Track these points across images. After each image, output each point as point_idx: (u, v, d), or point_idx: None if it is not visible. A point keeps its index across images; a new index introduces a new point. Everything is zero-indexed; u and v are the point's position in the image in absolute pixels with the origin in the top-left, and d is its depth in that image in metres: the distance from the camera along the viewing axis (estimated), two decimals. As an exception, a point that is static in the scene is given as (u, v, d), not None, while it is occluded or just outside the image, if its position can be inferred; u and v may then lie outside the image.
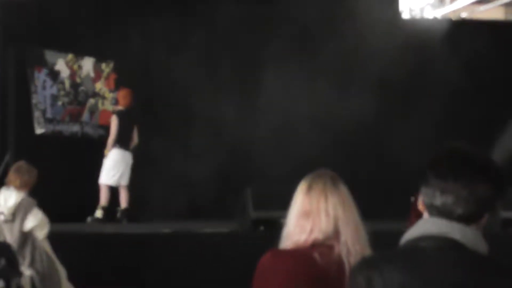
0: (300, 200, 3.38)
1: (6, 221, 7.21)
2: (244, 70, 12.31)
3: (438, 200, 2.36)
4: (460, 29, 12.92)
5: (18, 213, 7.20)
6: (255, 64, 12.32)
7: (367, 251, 3.32)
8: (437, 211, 2.37)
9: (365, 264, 2.42)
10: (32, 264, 7.13)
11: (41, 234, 7.29)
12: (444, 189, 2.35)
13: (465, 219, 2.34)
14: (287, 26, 12.19)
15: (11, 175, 7.46)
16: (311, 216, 3.33)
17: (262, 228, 9.59)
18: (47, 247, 7.34)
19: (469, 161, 2.40)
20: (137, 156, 11.34)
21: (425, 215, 2.43)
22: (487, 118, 12.43)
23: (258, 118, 12.14)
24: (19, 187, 7.34)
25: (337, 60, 12.18)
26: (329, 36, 12.13)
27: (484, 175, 2.37)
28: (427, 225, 2.38)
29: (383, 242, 2.77)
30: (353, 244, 3.30)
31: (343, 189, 3.42)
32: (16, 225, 7.18)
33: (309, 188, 3.38)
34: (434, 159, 2.44)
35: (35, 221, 7.22)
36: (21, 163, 7.61)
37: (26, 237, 7.20)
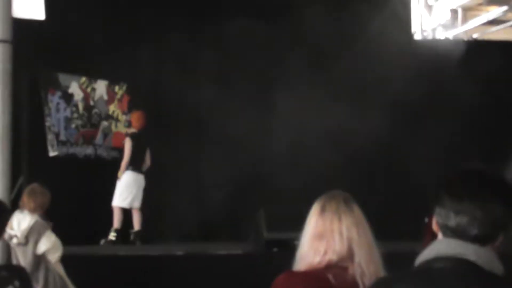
0: (313, 221, 3.38)
1: (19, 244, 7.21)
2: (257, 89, 12.32)
3: (453, 221, 2.35)
4: (473, 50, 12.91)
5: (31, 236, 7.20)
6: (268, 83, 12.34)
7: (381, 273, 3.31)
8: (451, 231, 2.36)
9: (380, 284, 2.41)
10: (45, 287, 7.13)
11: (54, 257, 7.29)
12: (459, 209, 2.34)
13: (480, 240, 2.33)
14: (300, 46, 12.20)
15: (25, 198, 7.46)
16: (325, 237, 3.32)
17: (276, 249, 9.56)
18: (60, 270, 7.34)
19: (484, 181, 2.39)
20: (150, 178, 11.35)
21: (440, 236, 2.42)
22: (501, 139, 12.38)
23: (272, 138, 12.13)
24: (33, 210, 7.34)
25: (351, 79, 12.19)
26: (342, 55, 12.13)
27: (500, 196, 2.35)
28: (441, 246, 2.36)
29: (397, 263, 2.76)
30: (367, 265, 3.29)
31: (357, 210, 3.41)
32: (29, 248, 7.19)
33: (323, 210, 3.38)
34: (448, 179, 2.43)
35: (48, 244, 7.23)
36: (35, 186, 7.61)
37: (39, 260, 7.20)
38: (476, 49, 13.13)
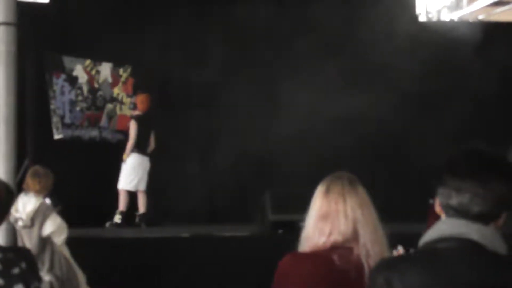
0: (318, 202, 3.38)
1: (24, 227, 7.24)
2: (264, 72, 12.30)
3: (454, 200, 2.36)
4: (478, 31, 12.85)
5: (36, 218, 7.23)
6: (276, 66, 12.32)
7: (386, 253, 3.32)
8: (453, 210, 2.37)
9: (384, 265, 2.42)
10: (51, 270, 7.16)
11: (60, 239, 7.32)
12: (460, 188, 2.35)
13: (482, 218, 2.34)
14: (306, 30, 12.17)
15: (29, 180, 7.47)
16: (329, 218, 3.33)
17: (281, 231, 9.59)
18: (65, 252, 7.37)
19: (486, 160, 2.40)
20: (155, 161, 11.37)
21: (443, 217, 2.43)
22: (509, 122, 12.33)
23: (279, 121, 12.13)
24: (38, 192, 7.37)
25: (356, 63, 12.16)
26: (348, 39, 12.11)
27: (501, 174, 2.37)
28: (444, 226, 2.37)
29: (402, 244, 2.77)
30: (372, 246, 3.30)
31: (361, 191, 3.42)
32: (35, 230, 7.21)
33: (327, 191, 3.38)
34: (451, 159, 2.44)
35: (54, 226, 7.25)
36: (37, 168, 7.64)
37: (45, 242, 7.23)
38: (482, 30, 13.06)
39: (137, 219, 11.27)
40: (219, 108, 12.30)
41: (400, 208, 9.96)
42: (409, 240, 2.57)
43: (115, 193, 11.17)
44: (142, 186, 11.23)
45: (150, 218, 11.30)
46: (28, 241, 7.21)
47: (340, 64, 11.93)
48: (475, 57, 12.14)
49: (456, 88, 12.42)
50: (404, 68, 11.81)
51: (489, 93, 12.26)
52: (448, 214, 2.40)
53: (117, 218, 11.14)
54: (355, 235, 3.32)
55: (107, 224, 11.09)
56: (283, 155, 11.95)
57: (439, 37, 12.28)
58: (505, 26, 13.10)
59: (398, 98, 12.01)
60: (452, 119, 12.15)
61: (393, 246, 3.36)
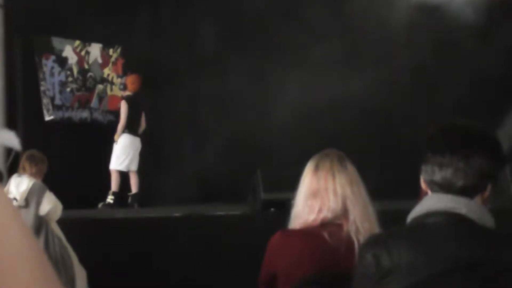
0: (307, 180, 3.40)
1: (19, 207, 7.23)
2: (254, 57, 12.28)
3: (438, 175, 2.38)
4: (479, 9, 12.75)
5: (31, 198, 7.22)
6: (265, 50, 12.30)
7: (376, 229, 3.34)
8: (438, 186, 2.39)
9: (373, 241, 2.44)
10: (45, 249, 7.17)
11: (55, 216, 7.34)
12: (442, 163, 2.37)
13: (466, 191, 2.36)
14: (298, 13, 12.15)
15: (25, 164, 7.45)
16: (319, 195, 3.35)
17: (272, 209, 9.61)
18: (58, 232, 7.38)
19: (465, 134, 2.41)
20: (146, 141, 11.37)
21: (429, 193, 2.45)
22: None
23: (268, 101, 12.14)
24: (34, 175, 7.36)
25: (350, 44, 12.12)
26: (340, 20, 12.08)
27: (480, 147, 2.38)
28: (431, 201, 2.39)
29: (393, 221, 2.79)
30: (361, 222, 3.32)
31: (351, 168, 3.43)
32: (31, 210, 7.20)
33: (316, 168, 3.40)
34: (430, 136, 2.46)
35: (51, 204, 7.26)
36: (34, 152, 7.60)
37: (40, 222, 7.23)
38: (483, 7, 12.96)
39: (129, 200, 11.28)
40: (209, 89, 12.28)
41: (393, 185, 9.98)
42: (400, 217, 2.58)
43: (107, 173, 11.17)
44: (134, 167, 11.23)
45: (142, 198, 11.31)
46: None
47: (333, 46, 11.90)
48: (478, 37, 12.08)
49: (456, 66, 12.32)
50: (401, 48, 11.80)
51: (491, 69, 12.14)
52: (433, 190, 2.41)
53: (110, 199, 11.15)
54: (344, 212, 3.34)
55: (100, 205, 11.09)
56: (274, 136, 11.95)
57: (441, 15, 12.22)
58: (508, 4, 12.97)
59: (394, 81, 11.98)
60: (447, 98, 12.11)
61: (383, 222, 3.37)
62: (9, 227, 0.93)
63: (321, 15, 12.11)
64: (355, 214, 3.33)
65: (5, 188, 7.28)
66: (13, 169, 8.17)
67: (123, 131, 11.09)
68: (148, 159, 11.44)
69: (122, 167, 11.16)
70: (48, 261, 0.96)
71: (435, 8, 12.31)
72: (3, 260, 0.91)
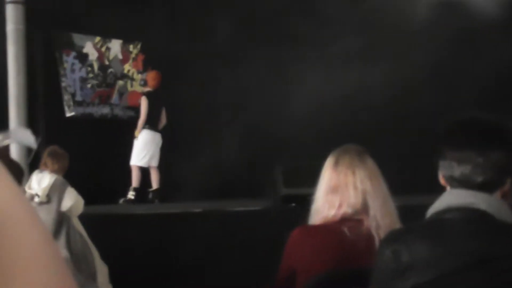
0: (327, 175, 3.39)
1: (41, 203, 7.25)
2: (273, 47, 12.26)
3: (456, 171, 2.36)
4: (500, 2, 12.65)
5: (53, 193, 7.24)
6: (284, 41, 12.27)
7: (397, 225, 3.32)
8: (457, 182, 2.37)
9: (392, 237, 2.43)
10: (67, 245, 7.19)
11: (76, 212, 7.36)
12: (461, 159, 2.35)
13: (486, 187, 2.34)
14: (318, 1, 12.13)
15: (47, 160, 7.46)
16: (339, 191, 3.34)
17: (293, 205, 9.60)
18: (80, 228, 7.41)
19: (482, 128, 2.39)
20: (167, 137, 11.39)
21: (447, 188, 2.44)
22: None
23: (287, 94, 12.11)
24: (56, 172, 7.38)
25: (367, 36, 12.10)
26: (359, 11, 12.05)
27: (498, 141, 2.36)
28: (451, 197, 2.38)
29: (412, 216, 2.77)
30: (382, 218, 3.31)
31: (371, 163, 3.42)
32: (53, 205, 7.22)
33: (336, 163, 3.39)
34: (448, 130, 2.44)
35: (73, 199, 7.28)
36: (56, 148, 7.61)
37: (62, 217, 7.26)
38: (507, 1, 12.86)
39: (150, 195, 11.30)
40: (228, 83, 12.29)
41: (411, 180, 9.94)
42: (420, 212, 2.56)
43: (127, 169, 11.20)
44: (155, 162, 11.25)
45: (163, 193, 11.33)
46: (45, 217, 7.22)
47: (352, 39, 11.86)
48: (499, 31, 11.99)
49: (474, 60, 12.23)
50: (421, 44, 11.74)
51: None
52: (452, 185, 2.40)
53: (131, 195, 11.18)
54: (364, 207, 3.33)
55: (121, 201, 11.13)
56: (293, 129, 11.93)
57: (459, 8, 12.16)
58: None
59: (413, 76, 11.91)
60: (470, 90, 12.02)
61: (404, 218, 3.35)
62: (22, 223, 0.92)
63: (339, 7, 12.07)
64: (375, 209, 3.32)
65: (27, 184, 7.32)
66: (34, 165, 8.19)
67: (144, 127, 11.11)
68: (168, 154, 11.46)
69: (143, 163, 11.18)
70: (62, 259, 0.95)
71: (456, 2, 12.24)
72: (12, 258, 0.90)
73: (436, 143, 2.43)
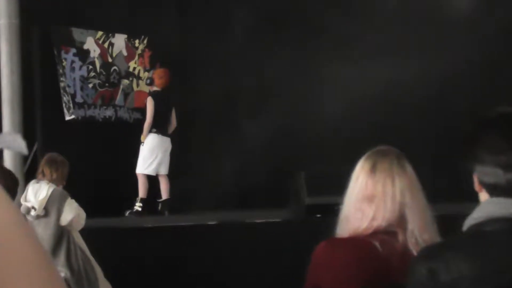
0: (362, 181, 3.33)
1: (38, 217, 7.25)
2: (297, 42, 12.24)
3: (503, 178, 2.30)
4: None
5: (51, 206, 7.24)
6: (309, 36, 12.25)
7: (437, 240, 3.29)
8: (502, 190, 2.31)
9: (427, 254, 2.39)
10: (67, 263, 7.19)
11: (77, 226, 7.36)
12: (506, 164, 2.29)
13: None
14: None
15: (45, 169, 7.45)
16: (374, 201, 3.28)
17: (318, 215, 9.59)
18: (81, 243, 7.41)
19: None
20: (177, 141, 11.39)
21: (483, 196, 2.38)
22: None
23: (311, 93, 12.10)
24: (54, 182, 7.37)
25: (404, 29, 12.07)
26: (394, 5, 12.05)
27: None
28: (492, 207, 2.32)
29: (450, 229, 2.74)
30: (421, 234, 3.26)
31: (410, 171, 3.37)
32: (51, 219, 7.22)
33: (373, 169, 3.32)
34: (480, 131, 2.38)
35: (73, 212, 7.27)
36: (55, 155, 7.61)
37: (62, 232, 7.26)
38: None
39: (159, 206, 11.31)
40: (245, 82, 12.28)
41: (449, 186, 9.91)
42: (457, 224, 2.53)
43: (134, 178, 11.21)
44: (164, 170, 11.25)
45: (173, 204, 11.34)
46: (43, 232, 7.22)
47: (385, 34, 11.85)
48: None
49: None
50: (464, 39, 11.71)
51: None
52: (494, 194, 2.35)
53: (138, 206, 11.18)
54: (401, 221, 3.28)
55: (127, 213, 11.14)
56: (318, 131, 11.90)
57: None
58: None
59: (454, 72, 11.85)
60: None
61: (441, 230, 3.32)
62: (10, 232, 0.93)
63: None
64: (414, 224, 3.26)
65: (22, 196, 7.33)
66: (30, 174, 8.21)
67: (150, 131, 11.11)
68: (179, 161, 11.46)
69: (150, 171, 11.19)
70: (60, 282, 0.96)
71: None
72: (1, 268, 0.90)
73: (467, 145, 2.38)
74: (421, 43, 12.09)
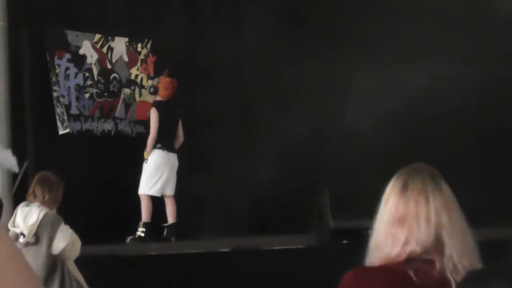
0: (392, 202, 3.35)
1: (27, 244, 7.25)
2: (319, 45, 12.26)
3: None
4: None
5: (42, 232, 7.23)
6: (331, 35, 12.28)
7: (478, 267, 3.28)
8: None
9: (470, 282, 2.39)
10: (61, 295, 7.21)
11: (72, 255, 7.35)
12: None
13: None
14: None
15: (36, 189, 7.43)
16: (406, 223, 3.29)
17: (344, 241, 9.60)
18: (77, 273, 7.41)
19: None
20: (184, 158, 11.39)
21: None
22: None
23: (334, 100, 12.11)
24: (47, 204, 7.37)
25: (435, 30, 12.10)
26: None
27: None
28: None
29: (493, 254, 2.74)
30: (460, 259, 3.26)
31: (446, 189, 3.38)
32: (43, 247, 7.22)
33: (405, 188, 3.34)
34: None
35: (66, 239, 7.26)
36: (48, 174, 7.60)
37: (54, 261, 7.25)
38: None
39: (165, 232, 11.31)
40: (259, 90, 12.31)
41: (490, 208, 9.91)
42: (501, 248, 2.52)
43: (136, 200, 11.23)
44: (170, 191, 11.26)
45: (181, 229, 11.34)
46: (33, 261, 7.22)
47: (416, 35, 11.88)
48: None
49: None
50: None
51: None
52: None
53: (140, 231, 11.19)
54: (437, 245, 3.28)
55: (128, 239, 11.15)
56: (344, 145, 11.92)
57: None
58: None
59: (494, 78, 11.86)
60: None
61: (483, 257, 3.31)
62: (2, 267, 0.92)
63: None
64: (452, 248, 3.27)
65: (10, 221, 7.33)
66: (20, 195, 8.21)
67: (155, 146, 11.13)
68: (187, 180, 11.46)
69: (154, 192, 11.19)
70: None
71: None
72: None
73: None
74: (458, 45, 12.09)
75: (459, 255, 3.27)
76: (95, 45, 11.92)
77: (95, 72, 11.88)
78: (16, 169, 1.19)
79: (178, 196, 11.37)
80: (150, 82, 12.17)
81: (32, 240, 7.24)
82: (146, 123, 11.60)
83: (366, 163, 11.36)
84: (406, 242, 3.28)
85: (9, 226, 7.26)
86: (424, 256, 3.27)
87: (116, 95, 12.06)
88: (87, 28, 11.84)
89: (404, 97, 11.61)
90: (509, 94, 12.06)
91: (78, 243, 7.40)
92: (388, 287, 3.23)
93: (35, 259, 7.20)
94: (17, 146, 10.43)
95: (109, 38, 12.05)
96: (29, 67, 11.36)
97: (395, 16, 12.02)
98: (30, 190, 7.53)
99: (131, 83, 12.21)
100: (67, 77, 11.61)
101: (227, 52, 12.16)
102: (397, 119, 11.87)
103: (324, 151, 12.06)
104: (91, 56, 11.86)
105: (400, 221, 3.30)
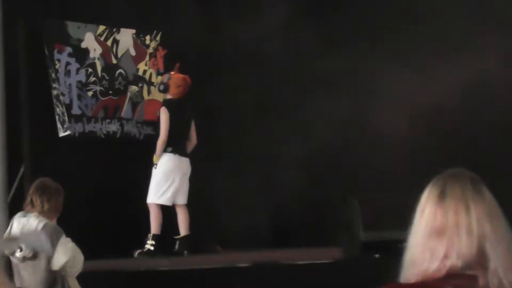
0: (429, 212, 3.34)
1: (24, 259, 7.27)
2: (348, 43, 12.26)
3: None
4: None
5: (41, 246, 7.25)
6: (362, 34, 12.29)
7: (525, 283, 3.27)
8: None
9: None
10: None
11: (74, 271, 7.37)
12: None
13: None
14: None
15: (34, 198, 7.45)
16: (445, 234, 3.29)
17: (376, 255, 9.59)
18: (78, 290, 7.44)
19: None
20: (198, 163, 11.40)
21: None
22: None
23: (365, 101, 12.12)
24: (45, 214, 7.38)
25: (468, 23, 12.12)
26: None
27: None
28: None
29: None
30: (506, 274, 3.26)
31: (488, 197, 3.36)
32: (41, 262, 7.24)
33: (442, 195, 3.33)
34: None
35: (67, 254, 7.28)
36: (46, 182, 7.62)
37: (54, 277, 7.28)
38: None
39: (176, 245, 11.33)
40: (282, 89, 12.32)
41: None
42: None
43: (145, 210, 11.24)
44: (182, 199, 11.27)
45: (194, 242, 11.35)
46: (31, 277, 7.24)
47: (450, 29, 11.90)
48: None
49: None
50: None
51: None
52: None
53: (150, 245, 11.21)
54: (480, 259, 3.27)
55: (136, 253, 11.17)
56: (376, 151, 11.92)
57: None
58: None
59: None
60: None
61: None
62: None
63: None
64: (496, 262, 3.25)
65: (6, 232, 7.35)
66: (16, 205, 8.23)
67: (165, 150, 11.14)
68: (201, 187, 11.48)
69: (165, 200, 11.21)
70: None
71: None
72: None
73: None
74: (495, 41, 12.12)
75: (505, 269, 3.25)
76: (99, 37, 11.93)
77: (98, 67, 11.89)
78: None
79: (191, 205, 11.38)
80: (159, 78, 12.17)
81: (30, 254, 7.26)
82: (155, 124, 11.61)
83: (399, 170, 11.35)
84: (445, 256, 3.27)
85: (5, 238, 7.28)
86: (466, 272, 3.26)
87: (122, 93, 12.06)
88: (90, 18, 11.86)
89: (444, 96, 11.62)
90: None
91: (80, 257, 7.42)
92: (426, 305, 3.23)
93: (33, 275, 7.24)
94: (12, 150, 10.49)
95: (114, 29, 12.06)
96: (26, 62, 11.38)
97: (429, 9, 12.06)
98: (28, 198, 7.55)
99: (138, 79, 12.22)
100: (67, 73, 11.63)
101: (245, 45, 12.16)
102: (433, 121, 11.88)
103: (353, 157, 12.05)
104: (94, 50, 11.88)
105: (438, 233, 3.29)
